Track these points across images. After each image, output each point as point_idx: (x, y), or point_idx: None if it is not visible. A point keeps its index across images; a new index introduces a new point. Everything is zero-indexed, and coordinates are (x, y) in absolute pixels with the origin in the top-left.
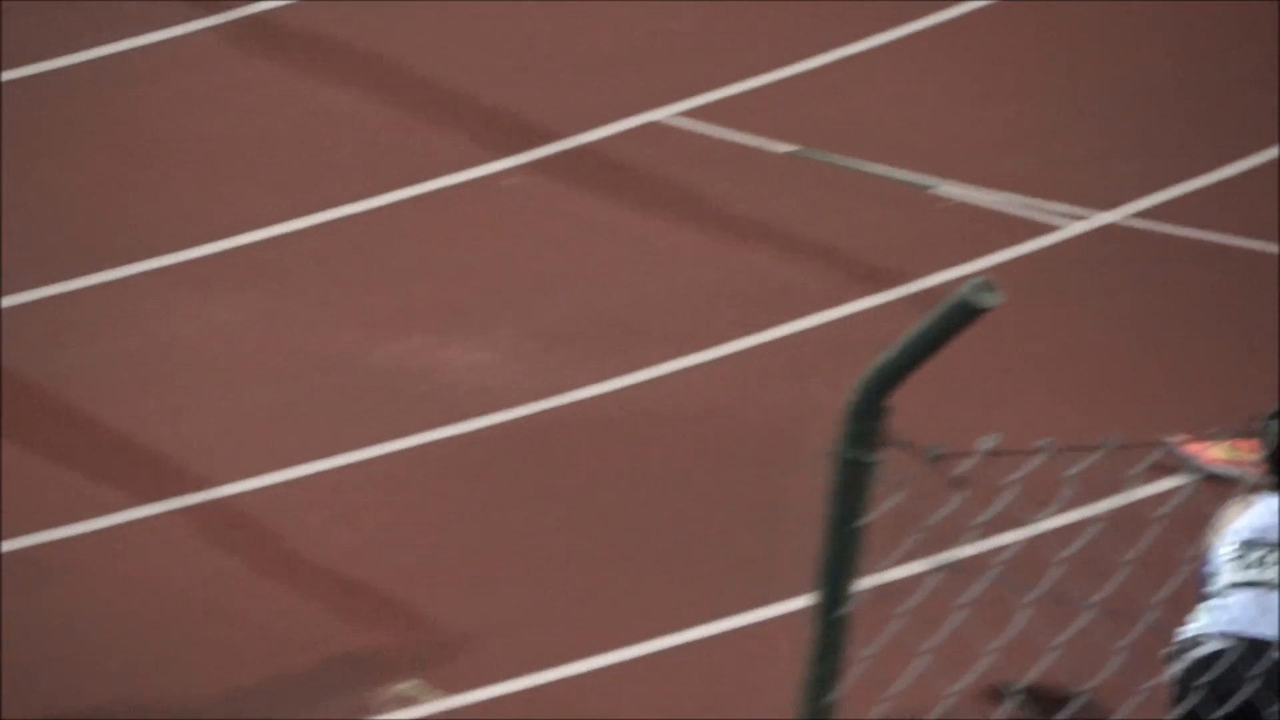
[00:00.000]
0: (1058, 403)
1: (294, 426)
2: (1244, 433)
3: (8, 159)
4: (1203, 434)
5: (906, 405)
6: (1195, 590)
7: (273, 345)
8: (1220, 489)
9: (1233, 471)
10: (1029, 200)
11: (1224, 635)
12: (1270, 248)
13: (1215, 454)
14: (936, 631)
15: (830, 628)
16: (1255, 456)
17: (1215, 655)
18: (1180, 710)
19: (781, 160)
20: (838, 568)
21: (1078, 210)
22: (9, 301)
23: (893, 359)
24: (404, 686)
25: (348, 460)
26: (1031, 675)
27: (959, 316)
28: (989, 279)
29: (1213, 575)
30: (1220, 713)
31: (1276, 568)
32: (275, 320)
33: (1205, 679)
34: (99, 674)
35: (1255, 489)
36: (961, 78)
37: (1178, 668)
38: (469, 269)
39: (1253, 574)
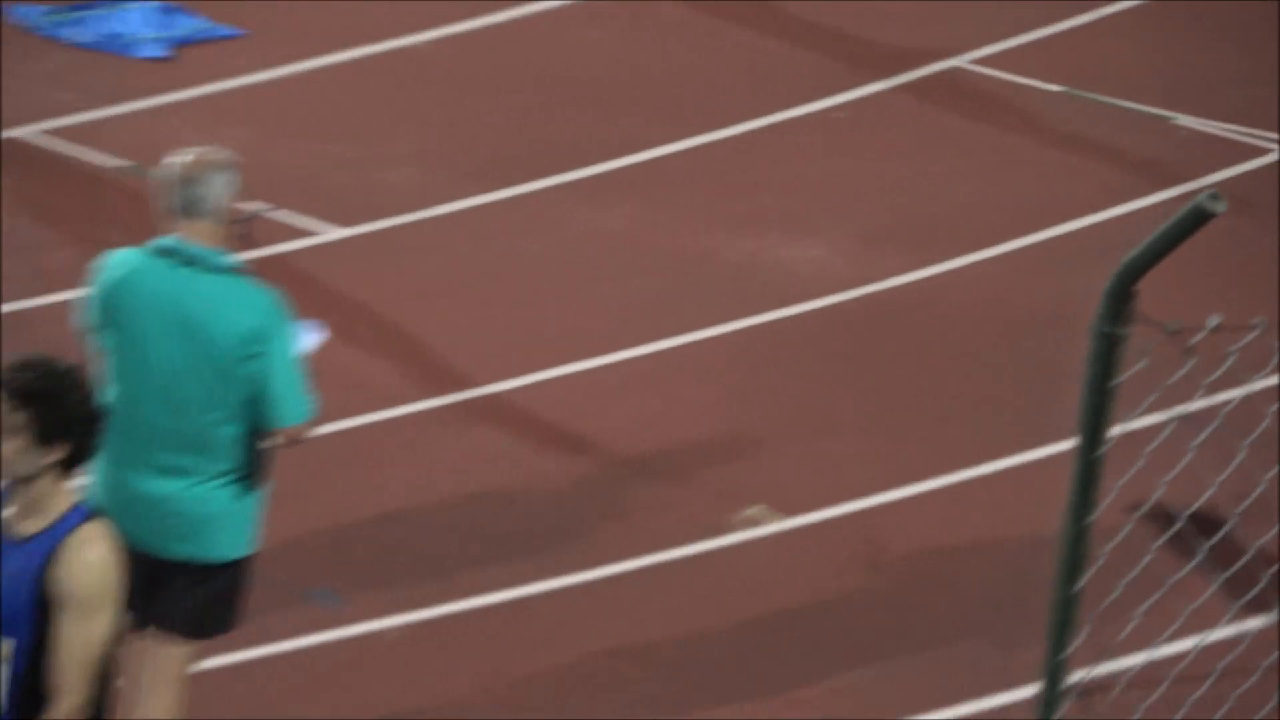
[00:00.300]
0: (1270, 290)
1: (664, 309)
2: None
3: (452, 95)
4: None
5: (1150, 291)
6: None
7: (647, 246)
8: None
9: None
10: (1247, 129)
11: None
12: None
13: None
14: (1172, 469)
15: (1089, 466)
16: None
17: None
18: None
19: (1054, 97)
20: (1095, 418)
21: None
22: (447, 209)
23: (1141, 253)
24: (751, 511)
25: (707, 335)
26: (1246, 503)
27: (1194, 221)
28: (1216, 191)
29: None
30: None
31: None
32: (651, 225)
33: None
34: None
35: None
36: (1192, 32)
37: None
38: (806, 182)
39: None
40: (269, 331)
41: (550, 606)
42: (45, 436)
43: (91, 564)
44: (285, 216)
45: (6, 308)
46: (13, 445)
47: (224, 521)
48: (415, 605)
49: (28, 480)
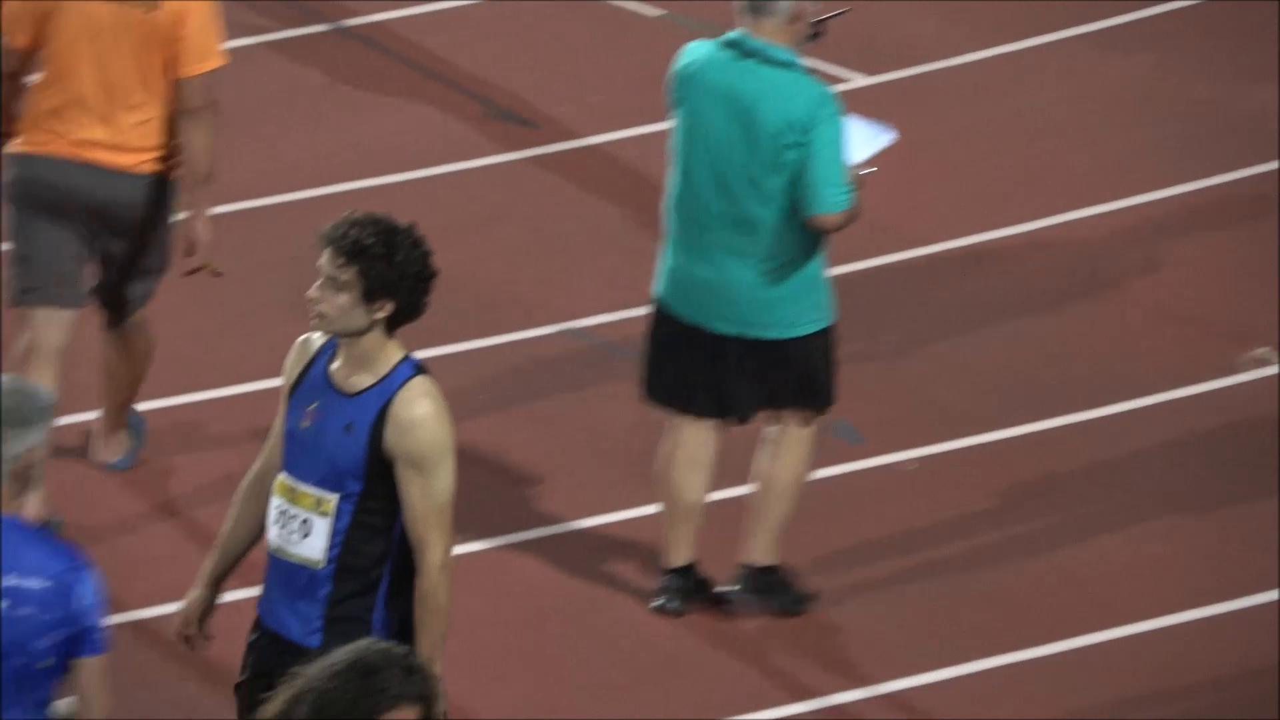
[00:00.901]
0: None
1: (1180, 156)
2: None
3: None
4: None
5: None
6: None
7: (1164, 94)
8: None
9: None
10: None
11: None
12: None
13: None
14: None
15: None
16: None
17: None
18: None
19: None
20: None
21: None
22: (969, 58)
23: None
24: (1259, 352)
25: (1221, 181)
26: None
27: None
28: None
29: None
30: None
31: None
32: (1169, 74)
33: None
34: None
35: None
36: None
37: None
38: None
39: None
40: (815, 122)
41: (1059, 441)
42: (372, 294)
43: (424, 421)
44: (816, 64)
45: (577, 143)
46: (341, 301)
47: (779, 300)
48: (927, 441)
49: (354, 336)
